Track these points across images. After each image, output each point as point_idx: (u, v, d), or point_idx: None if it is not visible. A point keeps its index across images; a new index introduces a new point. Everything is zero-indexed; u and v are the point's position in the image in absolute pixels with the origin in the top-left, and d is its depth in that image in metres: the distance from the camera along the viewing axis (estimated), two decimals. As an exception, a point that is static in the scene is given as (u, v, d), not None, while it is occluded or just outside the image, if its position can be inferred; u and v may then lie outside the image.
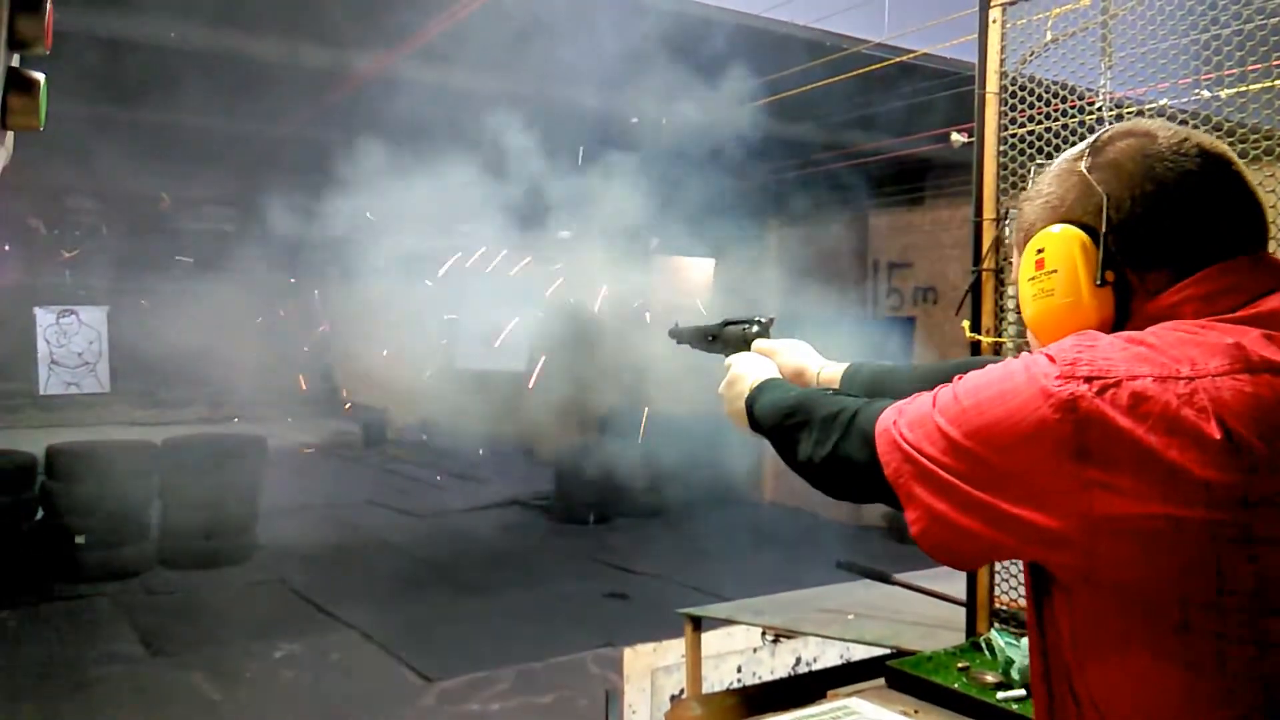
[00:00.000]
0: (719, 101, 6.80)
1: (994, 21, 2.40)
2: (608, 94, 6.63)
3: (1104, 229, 1.00)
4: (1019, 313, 2.59)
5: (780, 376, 1.49)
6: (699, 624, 3.35)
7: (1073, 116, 2.69)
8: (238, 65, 6.09)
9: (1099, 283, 1.00)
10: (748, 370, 1.51)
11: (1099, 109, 2.68)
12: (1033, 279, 1.07)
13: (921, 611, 3.05)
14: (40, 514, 8.54)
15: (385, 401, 18.87)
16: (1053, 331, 1.03)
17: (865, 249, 11.36)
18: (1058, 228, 1.04)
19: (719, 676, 3.90)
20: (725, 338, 1.73)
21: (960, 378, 1.00)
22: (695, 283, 13.70)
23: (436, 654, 6.80)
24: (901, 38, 5.03)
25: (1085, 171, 1.03)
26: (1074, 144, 1.14)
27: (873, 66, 5.39)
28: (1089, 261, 1.01)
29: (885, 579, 3.20)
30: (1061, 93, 2.75)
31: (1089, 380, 0.86)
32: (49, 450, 8.79)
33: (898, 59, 5.25)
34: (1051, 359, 0.91)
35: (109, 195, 9.59)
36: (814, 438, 1.15)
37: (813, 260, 12.22)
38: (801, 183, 10.11)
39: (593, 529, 11.02)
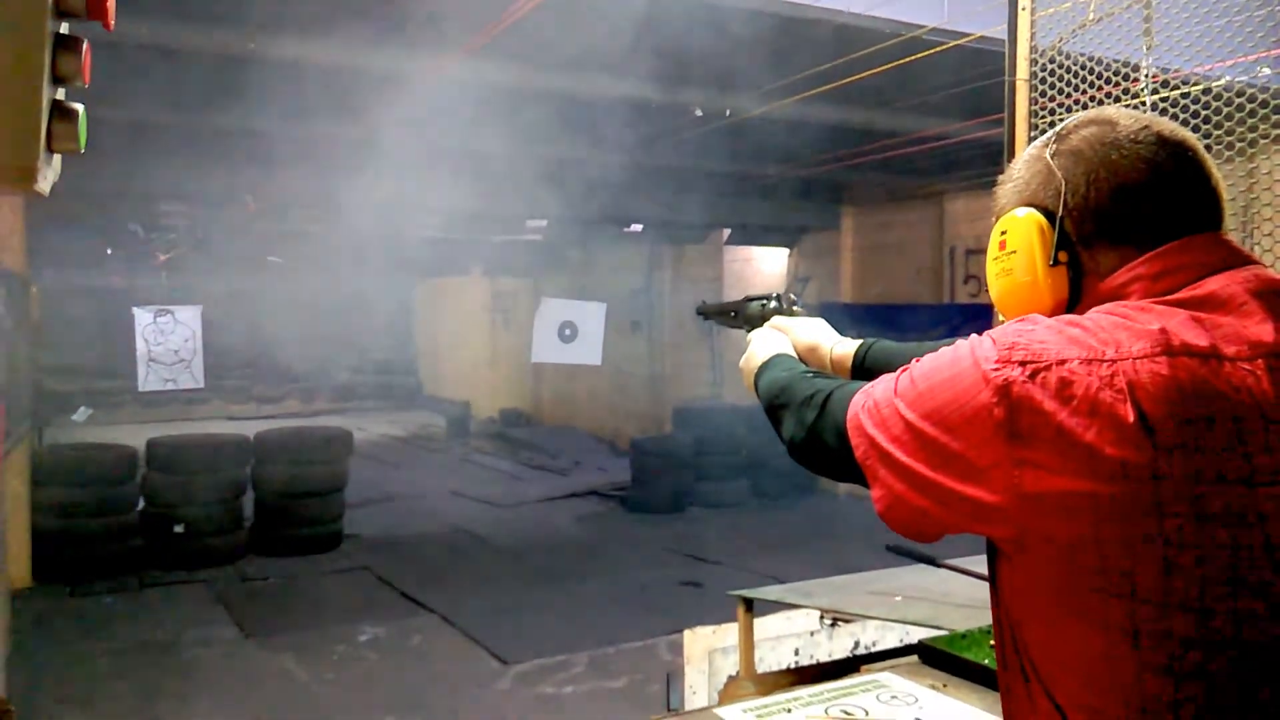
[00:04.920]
0: (783, 92, 6.82)
1: (1023, 9, 2.42)
2: (674, 87, 6.69)
3: (1060, 212, 1.07)
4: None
5: (790, 353, 1.55)
6: (751, 605, 3.43)
7: (1122, 94, 2.68)
8: (322, 72, 6.30)
9: (1053, 263, 1.06)
10: (761, 346, 1.58)
11: (1141, 90, 2.67)
12: (996, 259, 1.14)
13: (969, 594, 3.08)
14: (141, 503, 9.00)
15: (467, 394, 19.26)
16: (1013, 309, 1.11)
17: (941, 235, 11.21)
18: (1021, 211, 1.10)
19: (776, 658, 3.97)
20: (746, 314, 1.80)
21: (918, 360, 1.07)
22: (768, 274, 13.68)
23: (513, 639, 6.99)
24: (959, 20, 5.01)
25: (1049, 158, 1.09)
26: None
27: (931, 50, 5.37)
28: (1045, 243, 1.07)
29: (934, 563, 3.24)
30: (1105, 74, 2.75)
31: (1023, 365, 0.94)
32: (149, 443, 9.25)
33: (955, 42, 5.22)
34: (994, 341, 0.98)
35: (202, 200, 10.04)
36: (793, 420, 1.23)
37: (888, 247, 12.11)
38: (875, 169, 10.01)
39: (669, 519, 11.12)
